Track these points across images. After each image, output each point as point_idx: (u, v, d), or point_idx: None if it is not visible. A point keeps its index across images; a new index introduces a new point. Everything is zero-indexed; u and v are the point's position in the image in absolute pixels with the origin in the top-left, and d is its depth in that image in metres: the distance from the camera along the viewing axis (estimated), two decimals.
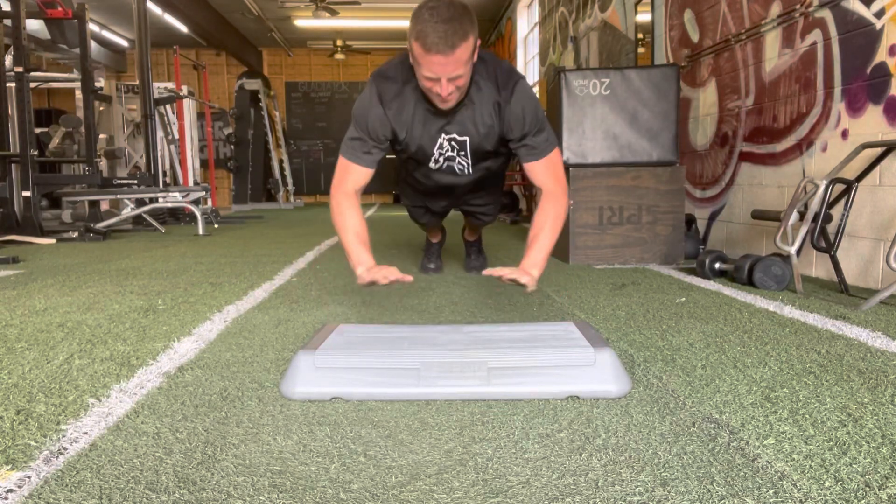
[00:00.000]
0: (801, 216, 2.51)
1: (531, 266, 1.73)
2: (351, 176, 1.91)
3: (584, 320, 1.88)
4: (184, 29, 10.75)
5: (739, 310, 2.16)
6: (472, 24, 1.64)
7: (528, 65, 9.80)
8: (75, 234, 5.24)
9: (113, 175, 7.14)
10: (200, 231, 5.67)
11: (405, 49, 1.81)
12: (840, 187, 2.50)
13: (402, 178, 2.53)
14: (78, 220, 6.48)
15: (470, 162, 2.10)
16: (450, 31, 1.58)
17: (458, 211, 2.78)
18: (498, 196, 2.68)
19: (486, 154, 2.11)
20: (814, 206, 2.45)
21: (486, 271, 1.65)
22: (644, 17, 4.89)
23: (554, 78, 3.52)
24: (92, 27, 8.87)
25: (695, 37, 4.04)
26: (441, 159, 2.10)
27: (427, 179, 2.30)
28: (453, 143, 2.02)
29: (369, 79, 1.95)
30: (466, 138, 2.01)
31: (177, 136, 9.07)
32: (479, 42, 1.72)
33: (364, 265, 1.74)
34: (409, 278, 1.67)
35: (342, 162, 1.94)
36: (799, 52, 3.01)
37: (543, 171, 1.90)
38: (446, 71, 1.64)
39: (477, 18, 1.66)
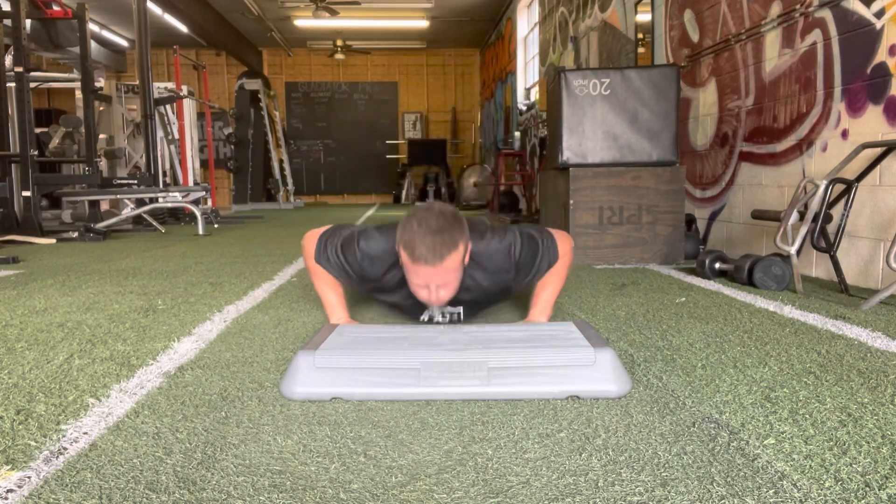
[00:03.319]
0: (801, 216, 2.51)
1: (540, 315, 1.85)
2: (322, 275, 1.88)
3: (584, 320, 1.88)
4: (184, 29, 10.74)
5: (739, 310, 2.16)
6: (462, 233, 1.62)
7: (528, 65, 9.80)
8: (75, 234, 5.24)
9: (113, 175, 7.14)
10: (200, 231, 5.66)
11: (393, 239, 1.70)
12: (840, 187, 2.50)
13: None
14: (78, 220, 6.48)
15: (462, 312, 1.97)
16: (438, 243, 1.55)
17: None
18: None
19: (487, 304, 2.05)
20: (814, 206, 2.45)
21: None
22: (644, 17, 4.89)
23: (554, 78, 3.52)
24: (92, 27, 8.87)
25: (695, 37, 4.04)
26: (426, 319, 1.96)
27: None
28: (444, 312, 1.92)
29: (356, 244, 1.79)
30: (460, 309, 1.92)
31: (177, 136, 9.07)
32: (469, 246, 1.67)
33: (339, 322, 1.83)
34: None
35: (313, 265, 1.88)
36: (799, 52, 3.01)
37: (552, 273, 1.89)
38: (434, 280, 1.62)
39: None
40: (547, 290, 1.87)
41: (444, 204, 1.67)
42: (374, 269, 1.80)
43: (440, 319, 1.88)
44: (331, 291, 1.89)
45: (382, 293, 1.92)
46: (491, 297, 1.96)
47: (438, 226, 1.57)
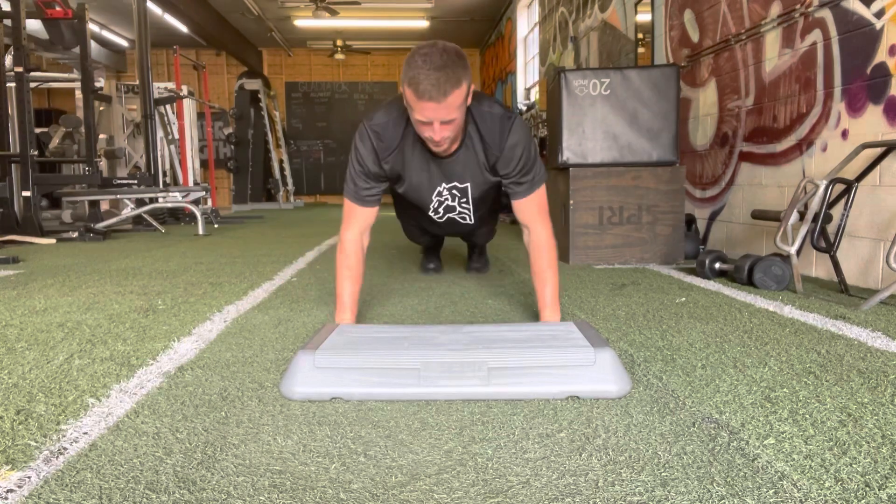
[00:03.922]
0: (801, 216, 2.51)
1: (552, 315, 1.88)
2: (356, 218, 1.95)
3: (584, 320, 1.88)
4: (184, 29, 10.75)
5: (739, 310, 2.16)
6: (465, 70, 1.65)
7: (528, 65, 9.80)
8: (75, 234, 5.24)
9: (113, 175, 7.14)
10: (200, 231, 5.66)
11: (398, 95, 1.84)
12: (840, 187, 2.50)
13: (400, 211, 2.56)
14: (78, 220, 6.48)
15: (472, 208, 2.08)
16: (442, 79, 1.59)
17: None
18: (494, 222, 2.72)
19: (487, 198, 2.10)
20: (814, 206, 2.45)
21: None
22: (644, 17, 4.89)
23: (554, 78, 3.52)
24: (92, 27, 8.87)
25: (695, 37, 4.04)
26: (441, 209, 2.08)
27: (428, 223, 2.35)
28: (454, 191, 2.01)
29: (363, 124, 1.91)
30: (468, 184, 2.00)
31: (177, 136, 9.07)
32: (472, 86, 1.73)
33: (344, 322, 1.86)
34: None
35: (346, 204, 1.97)
36: (799, 52, 3.01)
37: (531, 208, 1.93)
38: (438, 115, 1.65)
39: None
40: (548, 286, 1.89)
41: (447, 42, 1.68)
42: (386, 137, 1.86)
43: (449, 198, 2.00)
44: (347, 288, 1.89)
45: (404, 168, 1.96)
46: (485, 189, 2.03)
47: (442, 62, 1.59)
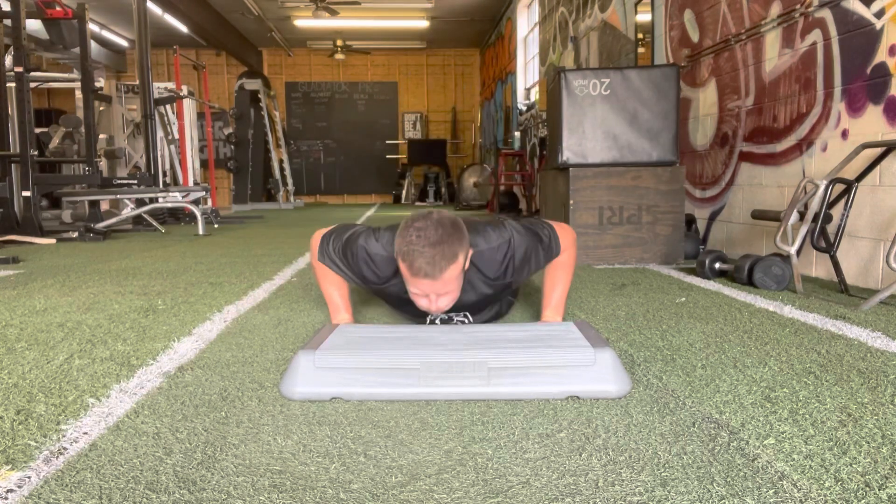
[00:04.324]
0: (801, 216, 2.51)
1: (554, 314, 1.83)
2: (328, 270, 1.86)
3: (584, 320, 1.88)
4: (184, 29, 10.74)
5: (739, 310, 2.16)
6: (461, 242, 1.57)
7: (528, 65, 9.80)
8: (75, 234, 5.24)
9: (113, 175, 7.14)
10: (200, 231, 5.66)
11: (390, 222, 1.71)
12: (840, 187, 2.50)
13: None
14: (78, 220, 6.48)
15: (470, 317, 1.96)
16: (437, 256, 1.51)
17: None
18: (502, 305, 2.21)
19: (490, 299, 1.96)
20: (814, 206, 2.45)
21: None
22: (644, 17, 4.89)
23: (554, 78, 3.52)
24: (92, 27, 8.87)
25: (695, 37, 4.04)
26: (437, 321, 1.94)
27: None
28: (451, 317, 1.91)
29: (363, 246, 1.76)
30: (466, 313, 1.91)
31: (177, 136, 9.07)
32: (469, 253, 1.65)
33: (342, 322, 1.81)
34: None
35: (316, 263, 1.87)
36: (799, 53, 3.01)
37: (556, 264, 1.87)
38: (434, 290, 1.59)
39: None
40: (557, 287, 1.84)
41: (443, 211, 1.63)
42: (375, 271, 1.77)
43: (442, 317, 1.88)
44: (335, 290, 1.87)
45: (386, 297, 1.91)
46: (491, 296, 1.91)
47: (438, 237, 1.52)
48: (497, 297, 1.97)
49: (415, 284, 1.58)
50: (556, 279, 1.85)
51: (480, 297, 1.84)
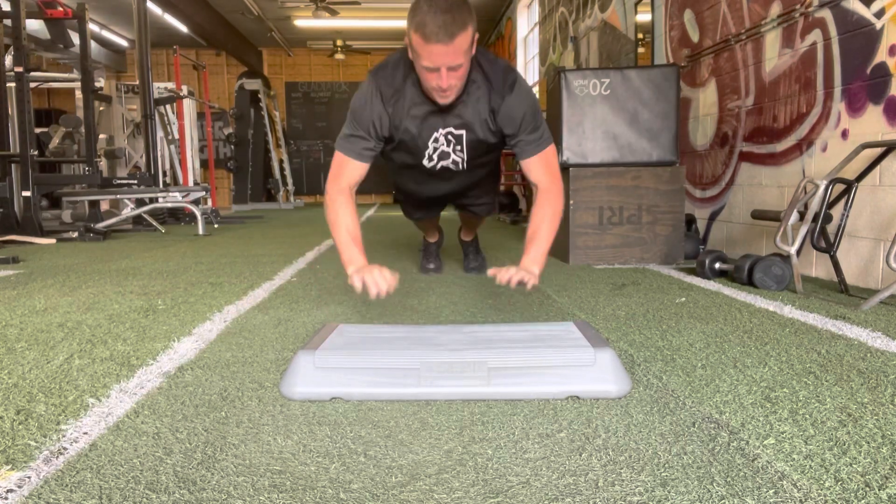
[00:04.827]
0: (801, 216, 2.51)
1: (531, 263, 1.75)
2: (347, 171, 1.93)
3: (584, 320, 1.88)
4: (184, 29, 10.75)
5: (739, 310, 2.16)
6: (471, 15, 1.66)
7: (528, 65, 9.80)
8: (75, 234, 5.24)
9: (113, 175, 7.14)
10: (200, 231, 5.66)
11: (404, 47, 1.83)
12: (840, 187, 2.50)
13: (395, 175, 2.53)
14: (78, 220, 6.48)
15: (466, 157, 2.10)
16: (449, 21, 1.60)
17: (454, 208, 2.77)
18: (493, 190, 2.66)
19: (483, 149, 2.11)
20: (814, 206, 2.45)
21: (491, 271, 1.65)
22: (644, 17, 4.89)
23: (554, 78, 3.52)
24: (92, 27, 8.87)
25: (695, 37, 4.04)
26: (435, 156, 2.10)
27: (422, 178, 2.30)
28: (450, 136, 2.03)
29: (368, 75, 1.96)
30: (463, 132, 2.02)
31: (177, 136, 9.07)
32: (477, 35, 1.74)
33: (355, 265, 1.73)
34: (394, 281, 1.63)
35: (338, 157, 1.95)
36: (799, 52, 3.01)
37: (539, 167, 1.93)
38: (446, 60, 1.66)
39: (477, 18, 1.68)
40: (543, 227, 1.82)
41: None
42: (390, 85, 1.89)
43: (444, 143, 2.03)
44: (348, 236, 1.80)
45: (397, 142, 1.98)
46: (491, 146, 2.05)
47: (448, 5, 1.60)
48: (491, 151, 2.13)
49: (427, 55, 1.65)
50: (540, 226, 1.83)
51: (475, 128, 1.98)
